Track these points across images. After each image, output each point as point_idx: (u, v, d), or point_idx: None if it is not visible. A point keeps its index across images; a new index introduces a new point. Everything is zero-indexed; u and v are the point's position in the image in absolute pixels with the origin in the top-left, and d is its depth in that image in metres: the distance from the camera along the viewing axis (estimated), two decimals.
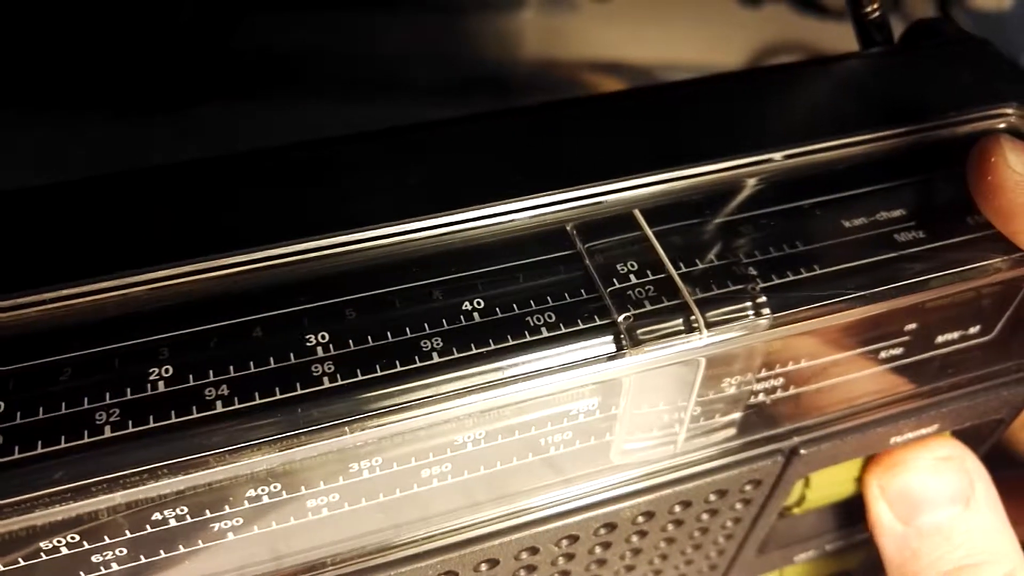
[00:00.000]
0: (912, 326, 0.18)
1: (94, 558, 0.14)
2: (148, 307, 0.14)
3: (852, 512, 0.23)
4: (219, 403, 0.14)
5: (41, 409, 0.13)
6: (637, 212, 0.16)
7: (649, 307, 0.15)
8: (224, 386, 0.14)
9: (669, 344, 0.15)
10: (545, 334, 0.15)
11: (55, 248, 0.14)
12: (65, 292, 0.14)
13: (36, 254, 0.14)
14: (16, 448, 0.13)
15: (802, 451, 0.18)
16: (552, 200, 0.16)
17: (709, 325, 0.15)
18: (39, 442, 0.13)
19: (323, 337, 0.14)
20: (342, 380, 0.14)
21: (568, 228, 0.16)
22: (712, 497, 0.18)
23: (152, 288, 0.14)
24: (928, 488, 0.20)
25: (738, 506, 0.19)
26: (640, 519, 0.18)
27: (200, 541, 0.15)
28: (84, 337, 0.14)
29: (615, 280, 0.15)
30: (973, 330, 0.19)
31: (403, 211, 0.15)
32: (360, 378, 0.14)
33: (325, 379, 0.14)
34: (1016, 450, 0.25)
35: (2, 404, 0.13)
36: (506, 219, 0.16)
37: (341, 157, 0.16)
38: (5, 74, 0.24)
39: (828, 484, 0.20)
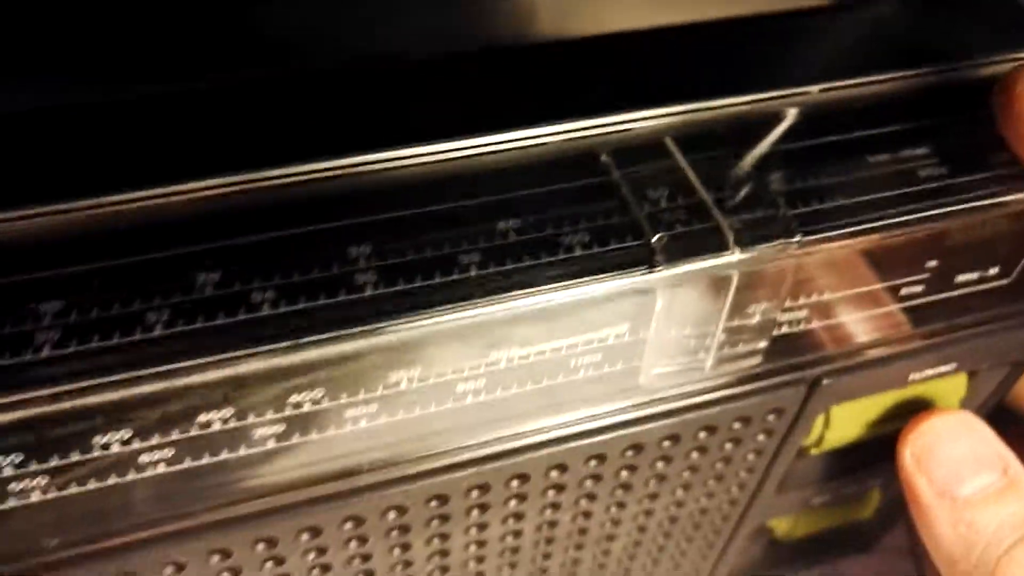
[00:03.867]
0: (933, 263, 0.18)
1: (143, 458, 0.15)
2: (192, 216, 0.15)
3: (868, 458, 0.23)
4: (266, 306, 0.14)
5: (96, 309, 0.14)
6: (669, 140, 0.17)
7: (681, 228, 0.16)
8: (270, 291, 0.14)
9: (700, 261, 0.15)
10: (579, 252, 0.15)
11: (111, 157, 0.15)
12: (122, 197, 0.14)
13: (95, 162, 0.15)
14: (74, 341, 0.13)
15: (824, 381, 0.19)
16: (586, 125, 0.16)
17: (739, 244, 0.15)
18: (95, 336, 0.13)
19: (365, 250, 0.15)
20: (384, 289, 0.14)
21: (601, 154, 0.17)
22: (736, 425, 0.19)
23: (199, 198, 0.15)
24: (964, 453, 0.20)
25: (760, 437, 0.19)
26: (666, 443, 0.18)
27: (242, 447, 0.15)
28: (139, 243, 0.14)
29: (648, 204, 0.16)
30: (992, 271, 0.19)
31: (441, 132, 0.16)
32: (401, 287, 0.14)
33: (368, 287, 0.14)
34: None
35: (62, 302, 0.14)
36: (540, 143, 0.16)
37: (385, 79, 0.17)
38: None
39: (847, 425, 0.21)
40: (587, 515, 0.20)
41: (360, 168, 0.16)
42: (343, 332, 0.14)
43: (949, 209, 0.17)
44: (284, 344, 0.14)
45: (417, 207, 0.16)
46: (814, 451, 0.22)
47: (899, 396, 0.21)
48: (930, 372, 0.20)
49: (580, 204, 0.16)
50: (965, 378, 0.22)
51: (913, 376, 0.20)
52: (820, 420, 0.21)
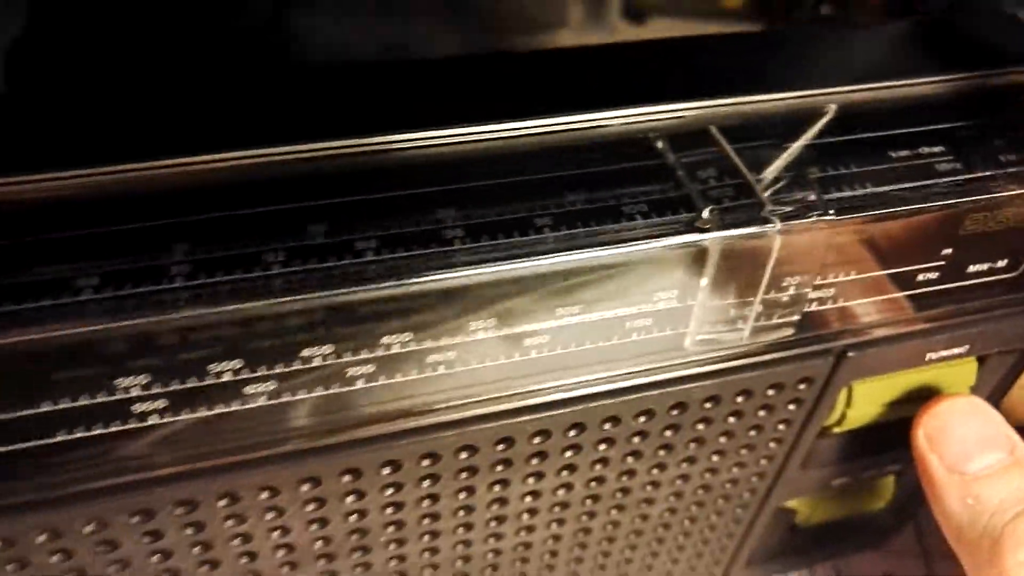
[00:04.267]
0: (947, 251, 0.20)
1: (247, 389, 0.17)
2: (307, 174, 0.17)
3: (885, 442, 0.25)
4: (369, 253, 0.16)
5: (220, 249, 0.16)
6: (714, 129, 0.19)
7: (729, 203, 0.18)
8: (373, 241, 0.16)
9: (745, 229, 0.17)
10: (639, 220, 0.17)
11: (247, 120, 0.17)
12: (246, 153, 0.17)
13: (232, 122, 0.17)
14: (201, 275, 0.15)
15: (849, 354, 0.21)
16: (644, 112, 0.19)
17: (778, 217, 0.17)
18: (219, 272, 0.15)
19: (452, 212, 0.17)
20: (470, 244, 0.16)
21: (656, 140, 0.19)
22: (769, 392, 0.21)
23: (315, 157, 0.17)
24: (974, 433, 0.22)
25: (790, 406, 0.21)
26: (707, 404, 0.20)
27: (336, 384, 0.17)
28: (260, 197, 0.17)
29: (698, 183, 0.18)
30: (1000, 264, 0.21)
31: (519, 113, 0.18)
32: (485, 243, 0.17)
33: (456, 242, 0.16)
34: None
35: (188, 243, 0.16)
36: (604, 125, 0.19)
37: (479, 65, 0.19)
38: None
39: (867, 404, 0.23)
40: (631, 474, 0.21)
41: (448, 140, 0.18)
42: (433, 276, 0.16)
43: (960, 200, 0.19)
44: (386, 284, 0.16)
45: (496, 178, 0.18)
46: (836, 430, 0.24)
47: (915, 380, 0.23)
48: (944, 353, 0.22)
49: (638, 181, 0.18)
50: (975, 365, 0.23)
51: (929, 356, 0.22)
52: (843, 397, 0.23)
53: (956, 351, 0.22)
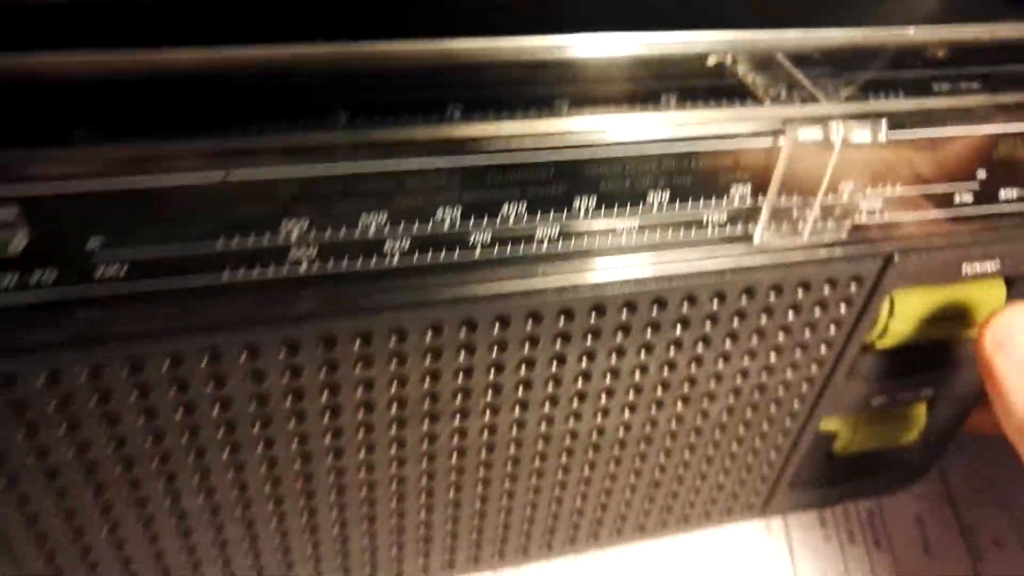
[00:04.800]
0: (982, 174, 0.23)
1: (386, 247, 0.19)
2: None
3: (922, 363, 0.28)
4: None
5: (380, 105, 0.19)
6: (781, 55, 0.22)
7: (797, 112, 0.21)
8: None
9: (812, 132, 0.20)
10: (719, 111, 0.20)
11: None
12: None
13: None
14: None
15: (895, 259, 0.23)
16: (722, 37, 0.22)
17: (844, 121, 0.20)
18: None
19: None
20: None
21: (729, 61, 0.22)
22: (825, 288, 0.23)
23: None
24: None
25: (842, 306, 0.24)
26: (772, 293, 0.23)
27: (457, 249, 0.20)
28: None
29: (768, 97, 0.21)
30: None
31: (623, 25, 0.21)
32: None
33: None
34: None
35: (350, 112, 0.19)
36: (689, 45, 0.22)
37: None
38: None
39: (908, 317, 0.25)
40: (699, 362, 0.24)
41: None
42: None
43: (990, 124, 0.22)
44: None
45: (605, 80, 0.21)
46: (879, 344, 0.26)
47: (950, 297, 0.26)
48: (978, 267, 0.24)
49: (719, 93, 0.21)
50: (1004, 289, 0.26)
51: (965, 269, 0.24)
52: (885, 308, 0.25)
53: (988, 267, 0.25)
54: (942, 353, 0.28)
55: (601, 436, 0.25)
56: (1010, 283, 0.26)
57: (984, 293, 0.26)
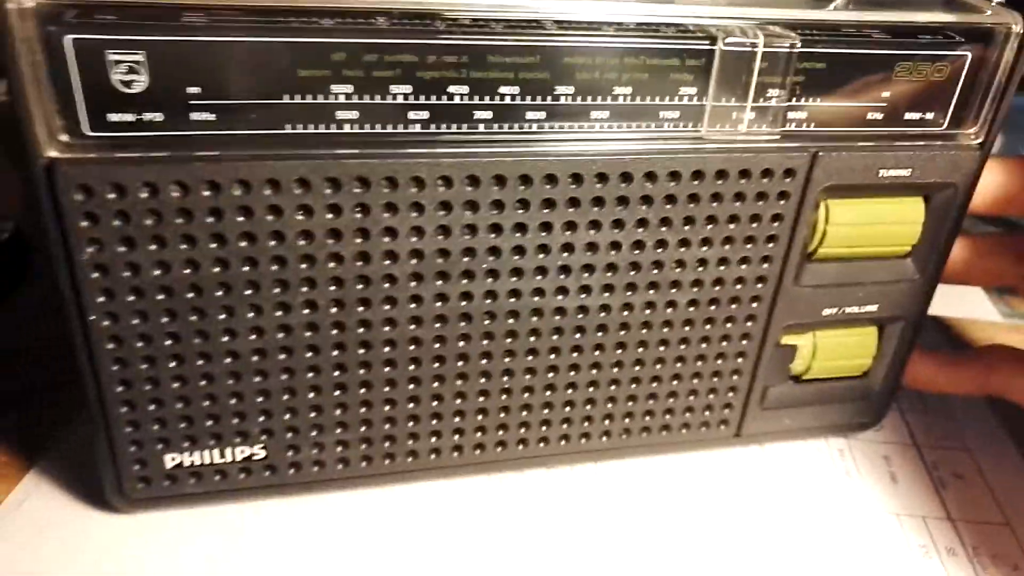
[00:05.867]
0: (886, 94, 0.29)
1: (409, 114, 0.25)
2: None
3: (863, 275, 0.32)
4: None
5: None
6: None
7: (728, 23, 0.27)
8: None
9: (738, 39, 0.26)
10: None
11: None
12: None
13: None
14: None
15: (820, 154, 0.29)
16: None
17: (763, 39, 0.27)
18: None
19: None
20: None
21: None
22: (764, 179, 0.29)
23: None
24: None
25: (781, 201, 0.29)
26: (718, 179, 0.28)
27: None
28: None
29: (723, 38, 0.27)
30: (929, 116, 0.30)
31: None
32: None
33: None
34: None
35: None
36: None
37: None
38: None
39: (842, 224, 0.30)
40: (663, 245, 0.29)
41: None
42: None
43: (892, 52, 0.28)
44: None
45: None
46: (821, 250, 0.31)
47: (879, 210, 0.31)
48: (892, 172, 0.30)
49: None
50: (922, 203, 0.31)
51: (881, 172, 0.30)
52: (822, 214, 0.30)
53: (902, 172, 0.30)
54: (879, 270, 0.33)
55: (585, 316, 0.30)
56: (928, 200, 0.32)
57: (906, 207, 0.31)
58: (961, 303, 0.51)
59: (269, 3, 0.24)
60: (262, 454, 0.30)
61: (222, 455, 0.30)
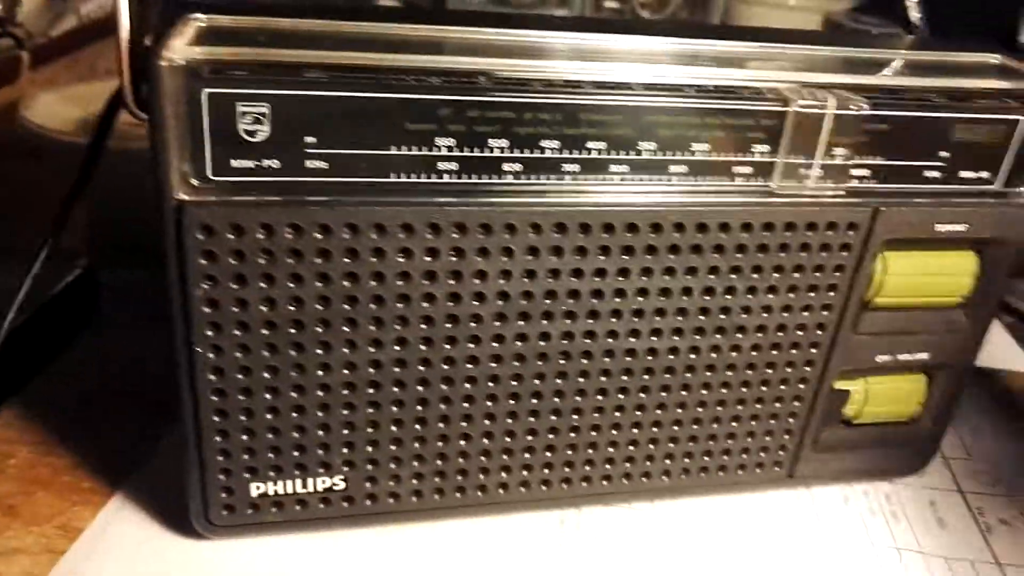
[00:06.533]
0: (945, 154, 0.31)
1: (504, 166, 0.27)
2: None
3: (916, 326, 0.34)
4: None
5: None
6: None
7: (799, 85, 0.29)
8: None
9: (809, 101, 0.28)
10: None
11: None
12: None
13: None
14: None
15: (882, 209, 0.30)
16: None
17: (835, 101, 0.28)
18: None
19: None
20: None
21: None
22: (828, 231, 0.30)
23: None
24: None
25: (843, 253, 0.31)
26: (786, 230, 0.30)
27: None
28: None
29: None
30: (984, 175, 0.32)
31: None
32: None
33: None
34: None
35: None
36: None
37: None
38: None
39: (899, 274, 0.32)
40: (732, 291, 0.31)
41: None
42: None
43: (951, 115, 0.30)
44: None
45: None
46: (878, 300, 0.33)
47: (934, 262, 0.32)
48: (948, 227, 0.31)
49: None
50: (975, 257, 0.33)
51: (937, 227, 0.31)
52: (880, 266, 0.32)
53: (957, 227, 0.32)
54: (931, 320, 0.34)
55: (653, 358, 0.31)
56: (980, 254, 0.33)
57: (960, 261, 0.33)
58: (998, 353, 0.52)
59: (382, 62, 0.26)
60: (342, 485, 0.31)
61: (304, 485, 0.31)
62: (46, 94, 0.56)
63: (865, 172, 0.30)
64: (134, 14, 0.24)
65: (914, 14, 0.36)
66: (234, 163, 0.25)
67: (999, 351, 0.52)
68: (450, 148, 0.27)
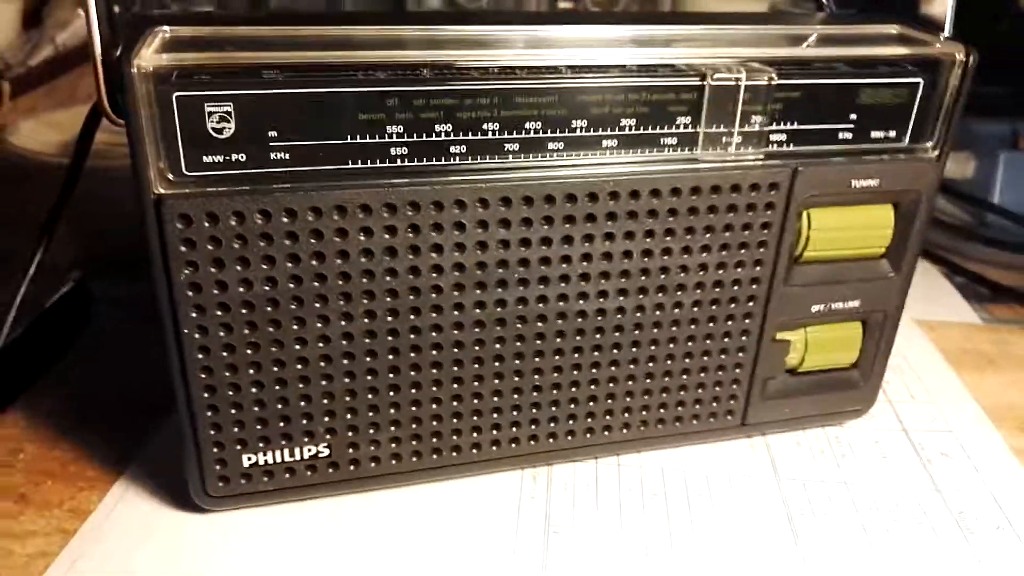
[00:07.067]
0: (853, 116, 0.34)
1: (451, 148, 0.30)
2: None
3: (844, 275, 0.37)
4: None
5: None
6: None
7: (715, 63, 0.32)
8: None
9: (723, 76, 0.31)
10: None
11: None
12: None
13: None
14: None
15: (800, 169, 0.33)
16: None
17: (745, 71, 0.32)
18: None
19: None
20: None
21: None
22: (752, 192, 0.33)
23: None
24: None
25: (768, 211, 0.34)
26: (712, 193, 0.33)
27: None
28: None
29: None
30: (892, 134, 0.35)
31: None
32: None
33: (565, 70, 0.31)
34: None
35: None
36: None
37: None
38: None
39: (823, 229, 0.35)
40: (668, 252, 0.33)
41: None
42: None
43: (856, 81, 0.33)
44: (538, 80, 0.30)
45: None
46: (806, 254, 0.36)
47: (854, 216, 0.35)
48: (863, 182, 0.34)
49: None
50: (891, 209, 0.36)
51: (853, 182, 0.34)
52: (804, 222, 0.35)
53: (871, 182, 0.35)
54: (858, 270, 0.37)
55: (602, 317, 0.34)
56: (897, 206, 0.36)
57: (878, 213, 0.36)
58: (942, 308, 0.55)
59: (333, 60, 0.29)
60: (326, 452, 0.34)
61: (292, 454, 0.34)
62: (28, 121, 0.59)
63: (782, 136, 0.33)
64: (104, 30, 0.27)
65: None
66: (205, 158, 0.28)
67: (940, 304, 0.55)
68: (400, 135, 0.30)
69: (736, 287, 0.36)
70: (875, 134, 0.35)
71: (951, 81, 0.34)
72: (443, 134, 0.30)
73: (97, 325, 0.49)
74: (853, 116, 0.34)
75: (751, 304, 0.36)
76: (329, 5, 0.71)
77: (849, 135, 0.34)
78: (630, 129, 0.32)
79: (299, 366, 0.32)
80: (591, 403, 0.37)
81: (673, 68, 0.32)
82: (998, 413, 0.44)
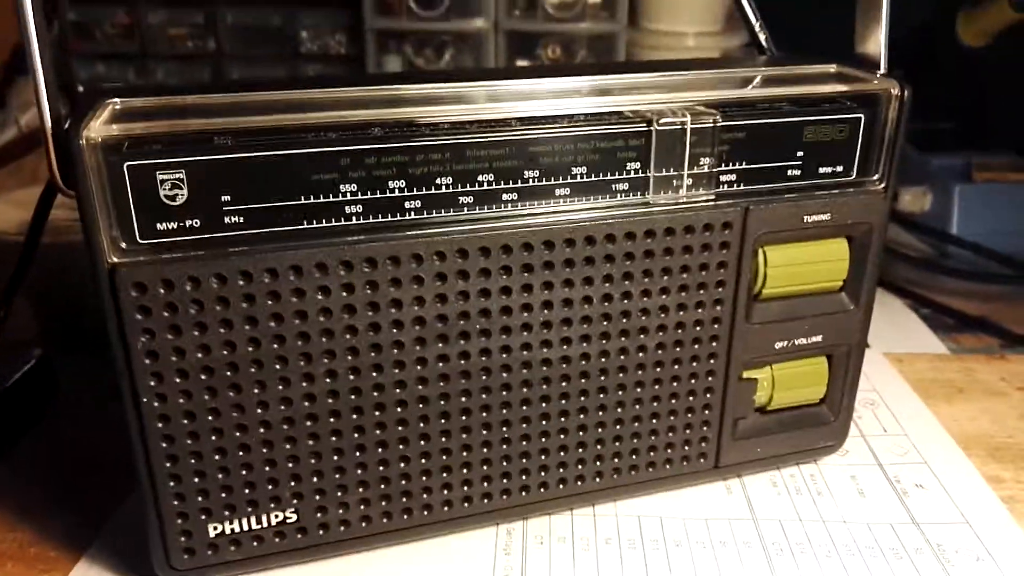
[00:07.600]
0: (800, 153, 0.35)
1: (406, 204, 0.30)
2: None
3: (805, 310, 0.37)
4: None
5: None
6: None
7: (660, 108, 0.33)
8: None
9: (669, 121, 0.32)
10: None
11: None
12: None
13: None
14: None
15: (751, 208, 0.34)
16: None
17: (691, 115, 0.32)
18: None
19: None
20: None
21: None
22: (705, 233, 0.34)
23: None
24: None
25: (723, 251, 0.34)
26: (667, 235, 0.33)
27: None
28: None
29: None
30: (840, 169, 0.36)
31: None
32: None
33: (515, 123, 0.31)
34: None
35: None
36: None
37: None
38: None
39: (779, 266, 0.36)
40: (627, 296, 0.34)
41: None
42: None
43: (799, 120, 0.34)
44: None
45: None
46: (765, 291, 0.36)
47: (810, 252, 0.36)
48: (815, 217, 0.35)
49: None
50: (846, 244, 0.37)
51: (805, 217, 0.35)
52: (761, 259, 0.35)
53: (823, 216, 0.35)
54: (818, 304, 0.38)
55: (567, 364, 0.34)
56: (850, 240, 0.37)
57: (832, 247, 0.37)
58: (910, 340, 0.56)
59: (283, 123, 0.29)
60: (294, 517, 0.33)
61: (258, 521, 0.33)
62: None
63: (732, 176, 0.34)
64: (57, 106, 0.27)
65: (761, 36, 0.41)
66: (159, 226, 0.28)
67: (907, 336, 0.56)
68: (354, 193, 0.30)
69: (698, 327, 0.36)
70: (823, 170, 0.35)
71: (890, 114, 0.35)
72: (397, 190, 0.30)
73: (64, 401, 0.48)
74: (800, 153, 0.35)
75: (715, 344, 0.36)
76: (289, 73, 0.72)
77: (798, 172, 0.35)
78: (582, 177, 0.32)
79: (262, 430, 0.32)
80: (562, 453, 0.36)
81: (620, 115, 0.32)
82: (970, 442, 0.44)
